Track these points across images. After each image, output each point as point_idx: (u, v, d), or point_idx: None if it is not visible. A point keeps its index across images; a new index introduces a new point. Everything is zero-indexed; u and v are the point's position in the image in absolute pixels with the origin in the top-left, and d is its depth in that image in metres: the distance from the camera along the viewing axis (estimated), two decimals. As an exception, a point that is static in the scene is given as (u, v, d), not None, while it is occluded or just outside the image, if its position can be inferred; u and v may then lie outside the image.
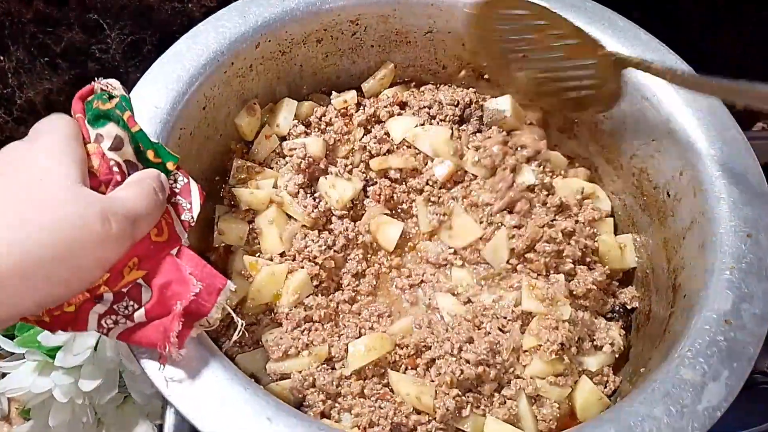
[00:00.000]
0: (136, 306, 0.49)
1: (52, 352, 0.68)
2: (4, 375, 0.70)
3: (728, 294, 0.55)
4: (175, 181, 0.54)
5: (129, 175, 0.51)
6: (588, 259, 0.71)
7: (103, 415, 0.72)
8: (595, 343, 0.67)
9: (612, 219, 0.75)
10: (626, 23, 0.72)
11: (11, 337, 0.71)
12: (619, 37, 0.70)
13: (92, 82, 0.53)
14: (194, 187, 0.55)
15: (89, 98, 0.52)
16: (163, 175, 0.52)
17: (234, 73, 0.71)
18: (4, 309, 0.41)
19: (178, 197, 0.54)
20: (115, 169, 0.49)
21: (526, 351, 0.65)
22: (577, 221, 0.71)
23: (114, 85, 0.54)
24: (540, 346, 0.64)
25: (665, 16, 0.93)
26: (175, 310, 0.49)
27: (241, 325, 0.54)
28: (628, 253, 0.72)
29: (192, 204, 0.55)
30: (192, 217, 0.54)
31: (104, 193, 0.48)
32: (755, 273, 0.56)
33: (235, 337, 0.56)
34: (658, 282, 0.68)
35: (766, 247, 0.57)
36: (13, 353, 0.71)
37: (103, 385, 0.68)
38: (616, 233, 0.75)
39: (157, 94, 0.64)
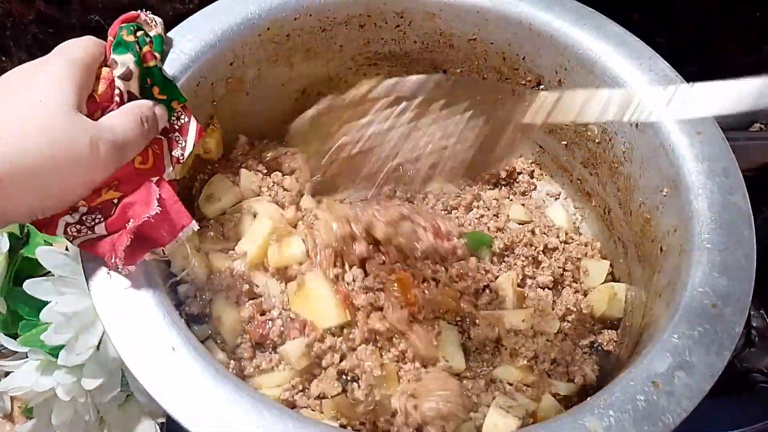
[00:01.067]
0: (100, 219, 0.52)
1: (54, 351, 0.68)
2: (6, 374, 0.70)
3: (667, 357, 0.52)
4: (177, 118, 0.59)
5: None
6: (566, 282, 0.71)
7: (106, 414, 0.73)
8: (569, 373, 0.67)
9: (608, 262, 0.74)
10: (619, 29, 0.71)
11: (14, 336, 0.71)
12: (612, 44, 0.70)
13: (139, 11, 0.58)
14: (193, 128, 0.59)
15: (123, 25, 0.56)
16: (158, 107, 0.56)
17: (269, 38, 0.72)
18: (1, 209, 0.46)
19: (176, 134, 0.59)
20: (117, 99, 0.54)
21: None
22: (564, 248, 0.72)
23: (156, 21, 0.60)
24: (516, 349, 0.65)
25: (663, 18, 0.93)
26: (127, 227, 0.52)
27: (193, 265, 0.58)
28: (617, 302, 0.71)
29: (186, 143, 0.59)
30: (182, 155, 0.58)
31: (99, 118, 0.52)
32: (705, 344, 0.52)
33: (183, 274, 0.59)
34: (630, 335, 0.67)
35: (728, 322, 0.54)
36: (16, 352, 0.71)
37: (106, 383, 0.69)
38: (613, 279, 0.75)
39: (185, 41, 0.66)
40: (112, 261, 0.52)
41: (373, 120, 0.52)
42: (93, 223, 0.52)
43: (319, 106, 0.53)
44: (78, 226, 0.52)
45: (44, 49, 0.82)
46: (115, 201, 0.53)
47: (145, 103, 0.56)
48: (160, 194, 0.53)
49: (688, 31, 0.96)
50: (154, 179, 0.55)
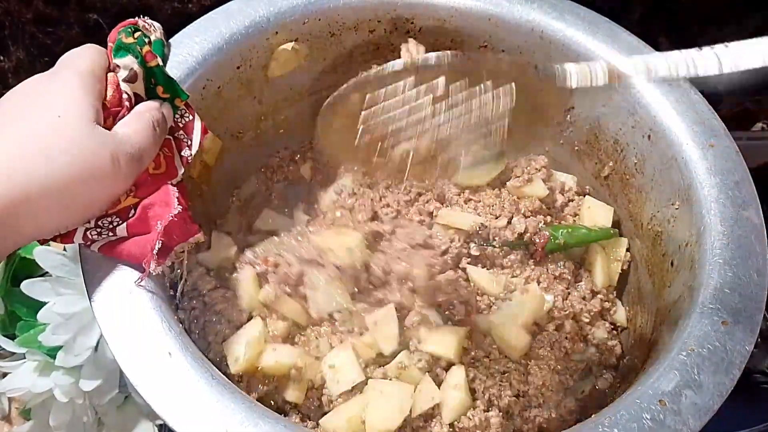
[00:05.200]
0: (119, 221, 0.52)
1: (52, 352, 0.68)
2: (4, 375, 0.71)
3: (675, 375, 0.51)
4: (181, 116, 0.58)
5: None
6: None
7: (104, 415, 0.73)
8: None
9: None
10: (633, 39, 0.70)
11: (12, 337, 0.71)
12: (625, 53, 0.69)
13: (137, 17, 0.58)
14: (197, 125, 0.59)
15: (121, 29, 0.56)
16: (165, 107, 0.56)
17: (278, 42, 0.71)
18: (31, 229, 0.46)
19: (181, 132, 0.58)
20: (126, 104, 0.53)
21: None
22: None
23: (155, 26, 0.60)
24: None
25: (663, 18, 0.92)
26: (156, 230, 0.52)
27: (186, 276, 0.59)
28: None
29: (192, 141, 0.58)
30: (190, 154, 0.58)
31: (112, 125, 0.52)
32: (715, 363, 0.52)
33: (179, 288, 0.59)
34: (638, 351, 0.67)
35: (739, 341, 0.53)
36: (14, 353, 0.71)
37: (104, 385, 0.69)
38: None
39: (192, 43, 0.66)
40: (145, 262, 0.52)
41: (398, 100, 0.51)
42: (112, 225, 0.52)
43: (343, 88, 0.53)
44: (98, 230, 0.52)
45: (42, 48, 0.82)
46: (133, 206, 0.53)
47: (153, 105, 0.55)
48: (178, 195, 0.54)
49: (689, 31, 0.95)
50: (173, 181, 0.55)
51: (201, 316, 0.63)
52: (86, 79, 0.51)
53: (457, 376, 0.61)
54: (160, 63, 0.57)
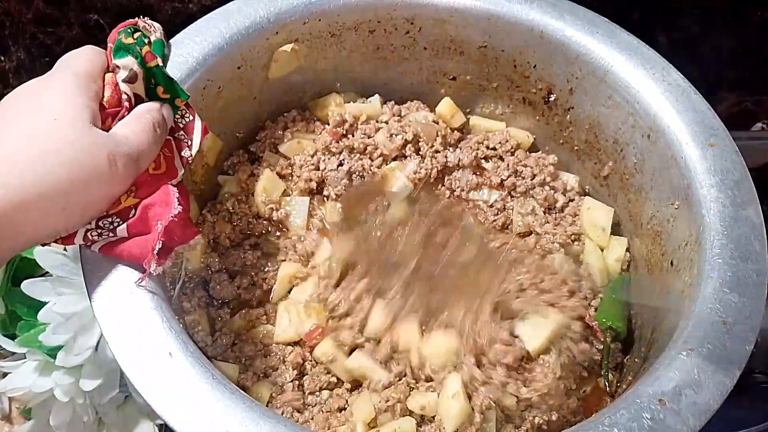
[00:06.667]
0: (120, 222, 0.52)
1: (53, 352, 0.68)
2: (5, 375, 0.70)
3: (675, 374, 0.51)
4: (182, 116, 0.58)
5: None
6: None
7: (104, 415, 0.73)
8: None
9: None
10: (632, 39, 0.70)
11: (12, 337, 0.71)
12: (624, 53, 0.69)
13: (137, 18, 0.59)
14: (198, 125, 0.59)
15: (120, 30, 0.56)
16: (165, 108, 0.56)
17: (278, 42, 0.71)
18: (29, 234, 0.46)
19: (181, 132, 0.58)
20: (126, 104, 0.53)
21: None
22: None
23: (155, 27, 0.60)
24: None
25: (663, 18, 0.92)
26: (156, 230, 0.51)
27: (185, 277, 0.60)
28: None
29: (192, 141, 0.58)
30: (191, 155, 0.58)
31: (111, 125, 0.52)
32: (715, 362, 0.51)
33: (177, 288, 0.60)
34: (639, 350, 0.67)
35: (740, 339, 0.53)
36: (14, 353, 0.71)
37: (104, 384, 0.69)
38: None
39: (192, 44, 0.66)
40: (146, 263, 0.51)
41: None
42: (113, 225, 0.52)
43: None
44: (99, 231, 0.52)
45: (43, 48, 0.83)
46: (133, 206, 0.53)
47: (154, 107, 0.55)
48: (178, 195, 0.53)
49: (688, 31, 0.95)
50: (173, 182, 0.55)
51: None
52: (82, 81, 0.51)
53: (454, 385, 0.61)
54: (160, 63, 0.57)
